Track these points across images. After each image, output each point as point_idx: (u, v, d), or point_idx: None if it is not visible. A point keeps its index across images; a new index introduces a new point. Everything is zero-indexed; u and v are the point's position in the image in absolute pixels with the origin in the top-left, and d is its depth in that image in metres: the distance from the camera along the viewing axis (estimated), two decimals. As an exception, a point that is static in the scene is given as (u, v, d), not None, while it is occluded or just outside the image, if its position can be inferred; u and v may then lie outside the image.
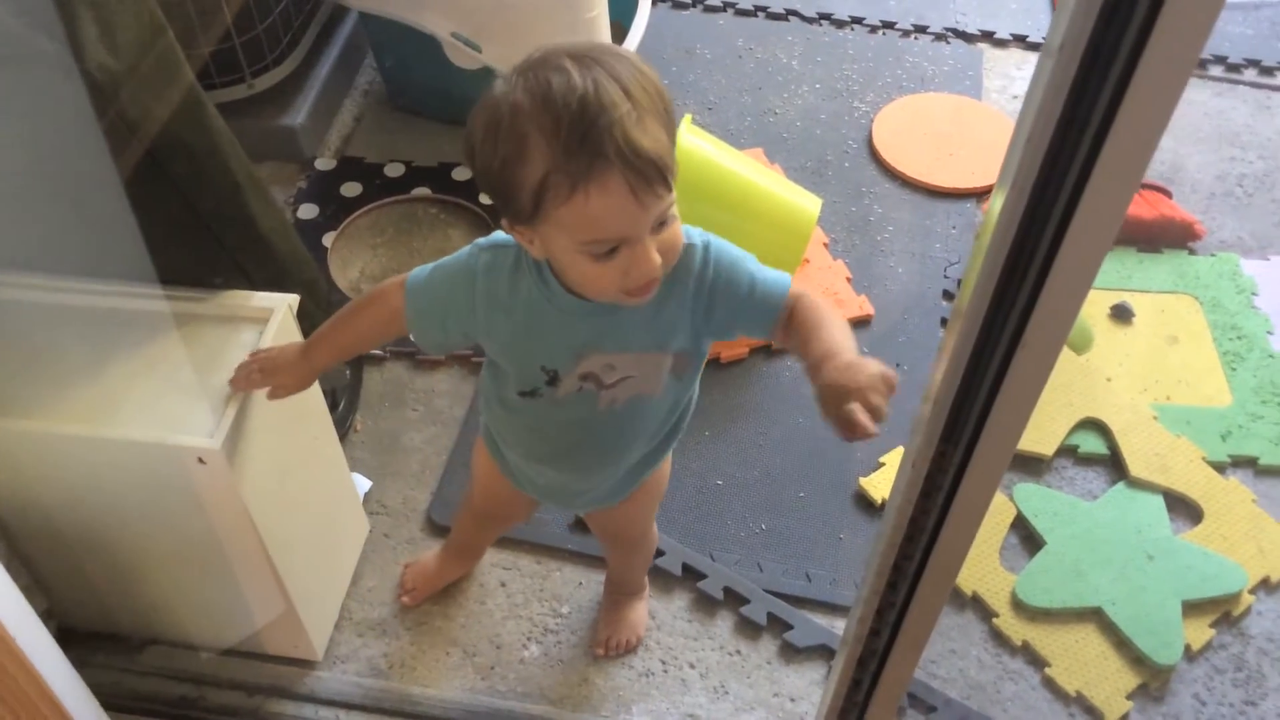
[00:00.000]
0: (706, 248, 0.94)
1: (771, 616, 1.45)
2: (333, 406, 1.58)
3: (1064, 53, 0.54)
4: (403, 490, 1.58)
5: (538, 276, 0.94)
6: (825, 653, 1.42)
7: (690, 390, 1.06)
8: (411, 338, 1.06)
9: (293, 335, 1.20)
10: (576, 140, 0.79)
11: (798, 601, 1.46)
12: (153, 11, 1.00)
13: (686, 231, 0.94)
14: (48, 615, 1.37)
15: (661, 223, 0.86)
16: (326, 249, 1.85)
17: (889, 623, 0.95)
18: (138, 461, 1.11)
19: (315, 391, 1.29)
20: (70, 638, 1.39)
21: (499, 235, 0.97)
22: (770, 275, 0.95)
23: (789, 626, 1.44)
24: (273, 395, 1.10)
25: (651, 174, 0.81)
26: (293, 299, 1.19)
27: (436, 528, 1.54)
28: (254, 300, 1.19)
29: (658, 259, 0.86)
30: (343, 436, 1.61)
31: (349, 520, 1.47)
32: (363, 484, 1.57)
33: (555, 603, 1.47)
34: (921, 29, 2.33)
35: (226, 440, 1.08)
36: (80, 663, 1.37)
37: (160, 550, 1.24)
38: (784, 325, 0.94)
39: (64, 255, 1.14)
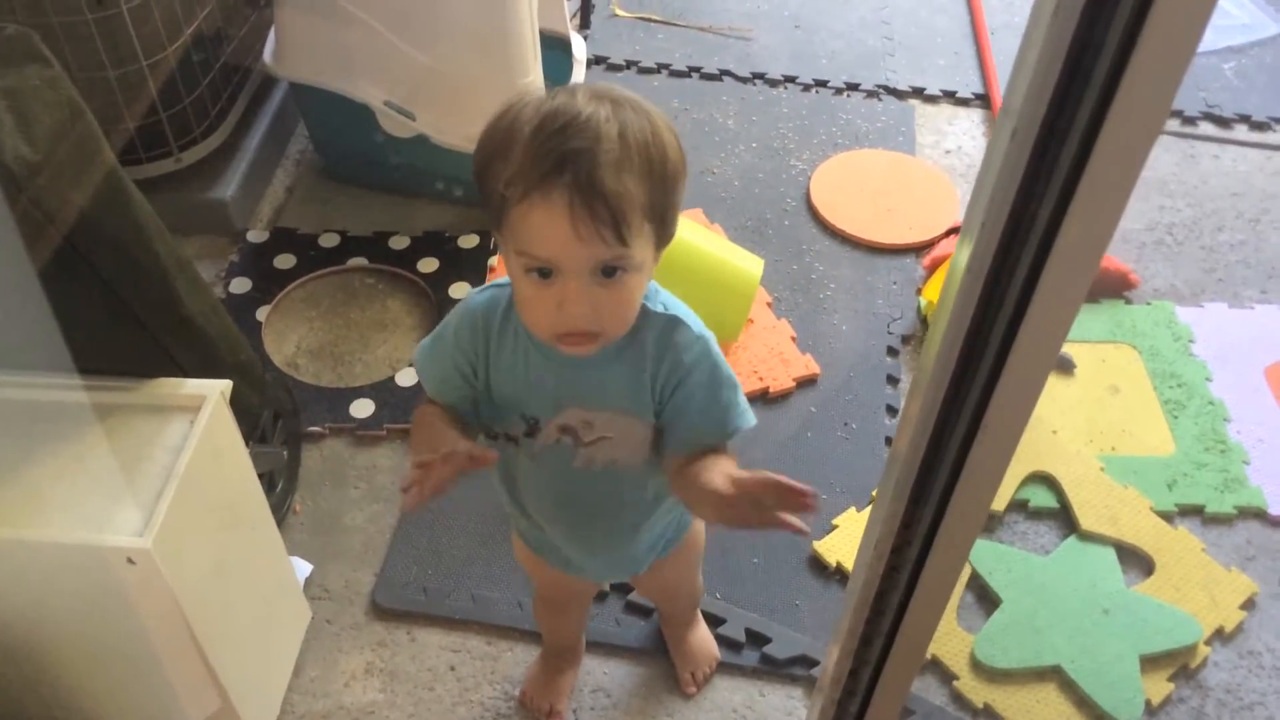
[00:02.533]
0: (703, 340, 0.93)
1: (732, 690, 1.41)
2: (270, 489, 1.53)
3: (1023, 120, 0.52)
4: (345, 573, 1.53)
5: (520, 326, 0.94)
6: (786, 726, 1.39)
7: None
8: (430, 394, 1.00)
9: (225, 423, 1.16)
10: (546, 150, 0.79)
11: (756, 673, 1.43)
12: (71, 97, 0.96)
13: (701, 327, 0.93)
14: (-32, 725, 1.29)
15: (608, 271, 0.83)
16: (261, 324, 1.80)
17: (859, 693, 0.93)
18: (63, 564, 1.06)
19: (251, 478, 1.24)
20: (-7, 747, 1.32)
21: (502, 279, 0.97)
22: (735, 411, 0.93)
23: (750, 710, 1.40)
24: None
25: (600, 211, 0.80)
26: (225, 386, 1.15)
27: (382, 611, 1.48)
28: (184, 388, 1.14)
29: (584, 308, 0.84)
30: (281, 520, 1.55)
31: (289, 609, 1.41)
32: (303, 568, 1.52)
33: (507, 685, 1.42)
34: (854, 86, 2.35)
35: (158, 538, 1.03)
36: (6, 775, 1.30)
37: (89, 654, 1.17)
38: (691, 458, 0.92)
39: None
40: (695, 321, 0.94)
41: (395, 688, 1.42)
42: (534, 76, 1.79)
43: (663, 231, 0.87)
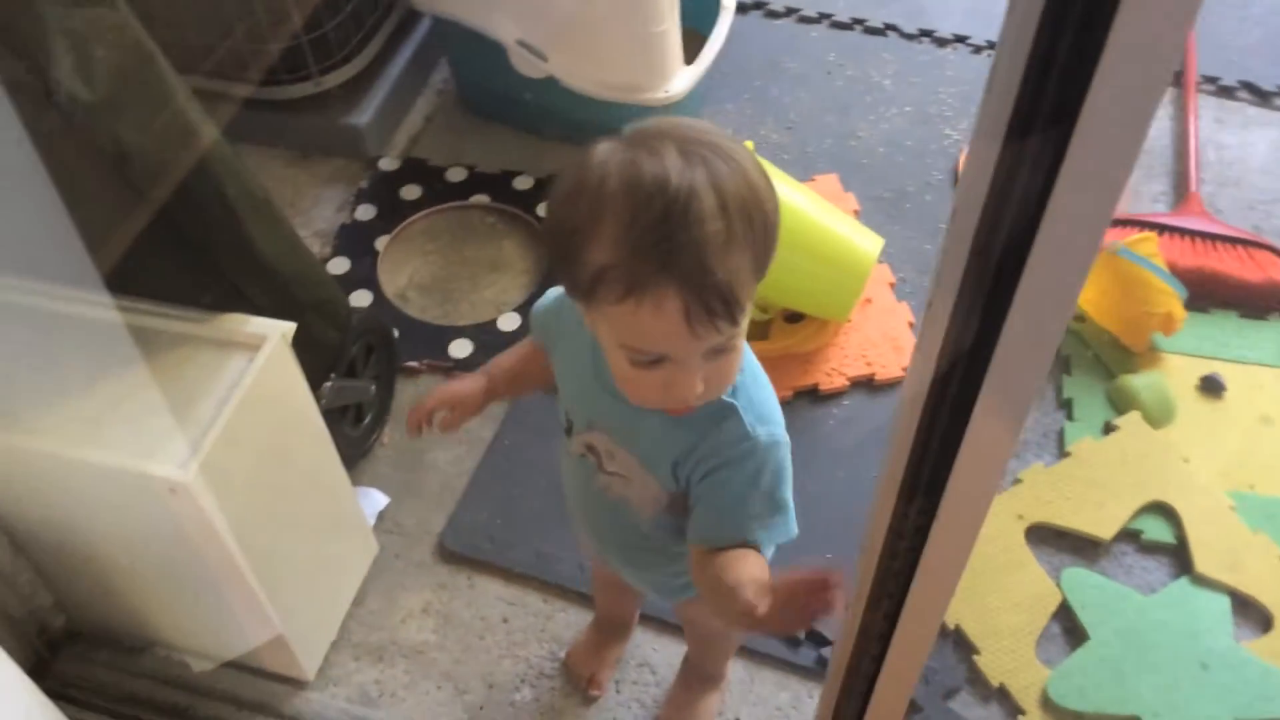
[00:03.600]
0: (753, 443, 0.85)
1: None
2: (357, 421, 1.56)
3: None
4: (419, 511, 1.55)
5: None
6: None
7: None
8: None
9: (285, 363, 1.18)
10: (647, 245, 0.72)
11: (809, 674, 1.38)
12: (138, 39, 0.97)
13: (761, 426, 0.85)
14: (54, 609, 1.39)
15: (718, 351, 0.78)
16: (378, 253, 1.83)
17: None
18: (115, 486, 1.11)
19: (313, 415, 1.27)
20: (76, 634, 1.41)
21: None
22: (760, 525, 0.86)
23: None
24: (448, 427, 1.06)
25: (715, 307, 0.73)
26: (287, 328, 1.16)
27: (447, 554, 1.50)
28: (249, 326, 1.16)
29: (699, 387, 0.79)
30: (366, 451, 1.59)
31: (353, 541, 1.44)
32: (380, 500, 1.55)
33: (555, 645, 1.42)
34: (1032, 51, 2.16)
35: (200, 471, 1.06)
36: (83, 659, 1.40)
37: (146, 567, 1.24)
38: (705, 557, 0.87)
39: (64, 268, 1.13)
40: (761, 418, 0.86)
41: (448, 631, 1.44)
42: (668, 25, 1.72)
43: (761, 277, 0.80)
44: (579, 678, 1.38)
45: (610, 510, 0.96)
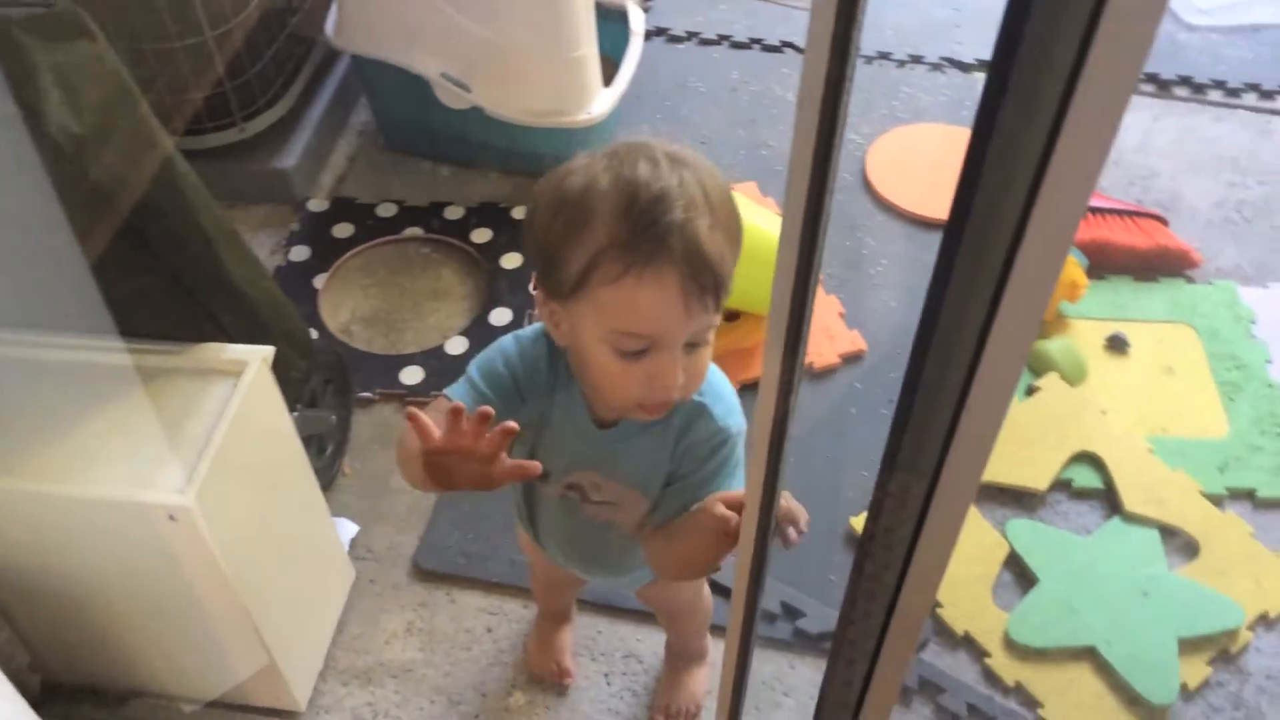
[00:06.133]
0: (724, 433, 0.91)
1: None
2: (319, 452, 1.58)
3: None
4: (390, 535, 1.58)
5: (567, 382, 0.93)
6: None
7: None
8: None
9: (267, 388, 1.21)
10: (646, 224, 0.78)
11: (788, 646, 1.45)
12: (117, 72, 1.00)
13: (731, 416, 0.92)
14: (30, 669, 1.37)
15: (695, 344, 0.84)
16: (318, 291, 1.86)
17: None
18: (109, 519, 1.12)
19: (294, 441, 1.29)
20: (54, 692, 1.39)
21: (537, 327, 0.94)
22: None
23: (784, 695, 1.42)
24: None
25: (707, 282, 0.79)
26: (267, 352, 1.19)
27: (423, 573, 1.53)
28: (227, 353, 1.19)
29: (681, 377, 0.84)
30: (329, 482, 1.61)
31: (333, 568, 1.46)
32: (349, 529, 1.57)
33: (541, 648, 1.46)
34: (917, 59, 2.32)
35: (198, 496, 1.08)
36: (64, 717, 1.38)
37: (137, 605, 1.24)
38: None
39: (35, 311, 1.14)
40: (729, 410, 0.92)
41: (434, 647, 1.46)
42: (586, 50, 1.80)
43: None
44: (547, 674, 1.41)
45: (596, 531, 1.03)
